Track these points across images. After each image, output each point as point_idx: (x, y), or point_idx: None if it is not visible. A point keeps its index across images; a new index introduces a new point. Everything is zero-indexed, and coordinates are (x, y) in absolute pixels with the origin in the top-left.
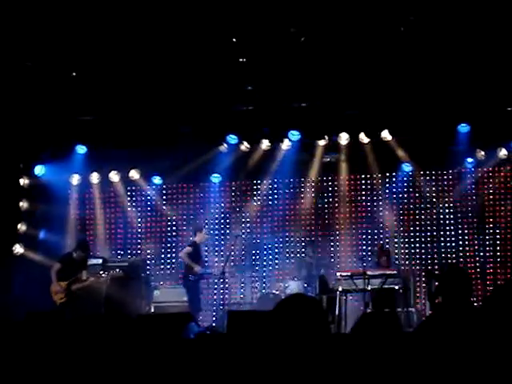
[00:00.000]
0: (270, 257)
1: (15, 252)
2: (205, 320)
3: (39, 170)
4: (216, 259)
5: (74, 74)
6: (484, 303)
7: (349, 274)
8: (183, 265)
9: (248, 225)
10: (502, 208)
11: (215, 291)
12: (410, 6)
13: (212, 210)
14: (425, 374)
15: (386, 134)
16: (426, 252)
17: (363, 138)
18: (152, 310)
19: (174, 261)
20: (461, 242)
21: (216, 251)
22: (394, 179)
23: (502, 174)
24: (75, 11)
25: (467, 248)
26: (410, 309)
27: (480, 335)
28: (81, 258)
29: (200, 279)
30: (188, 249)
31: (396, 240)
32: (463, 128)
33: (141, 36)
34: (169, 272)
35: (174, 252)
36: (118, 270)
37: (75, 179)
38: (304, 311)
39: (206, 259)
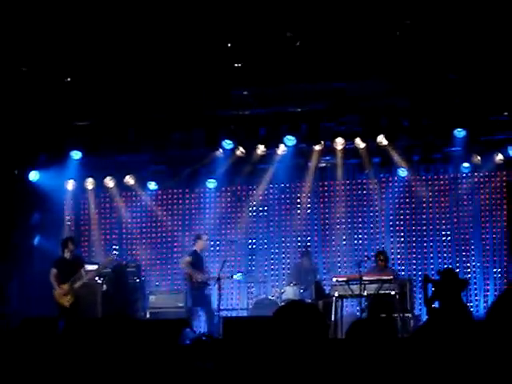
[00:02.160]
0: (266, 262)
1: (10, 258)
2: (200, 326)
3: (34, 175)
4: (212, 265)
5: (69, 79)
6: (488, 311)
7: (345, 279)
8: (186, 276)
9: (244, 230)
10: (498, 213)
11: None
12: (405, 10)
13: (207, 216)
14: (421, 380)
15: (381, 139)
16: (422, 257)
17: (359, 142)
18: (147, 316)
19: (169, 266)
20: (457, 247)
21: (211, 257)
22: (389, 184)
23: (498, 179)
24: (70, 17)
25: (463, 253)
26: (407, 314)
27: (477, 341)
28: (73, 257)
29: (205, 287)
30: (187, 258)
31: (392, 245)
32: (459, 133)
33: (135, 42)
34: (164, 277)
35: (169, 258)
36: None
37: (70, 185)
38: (303, 318)
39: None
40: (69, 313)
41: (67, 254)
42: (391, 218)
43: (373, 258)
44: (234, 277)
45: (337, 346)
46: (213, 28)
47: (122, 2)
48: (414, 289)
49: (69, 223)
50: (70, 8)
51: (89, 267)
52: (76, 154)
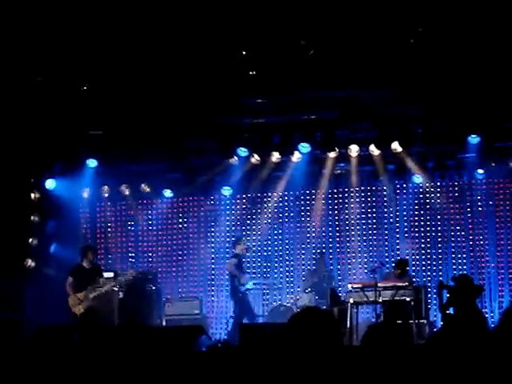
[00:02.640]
0: (281, 269)
1: (27, 266)
2: (216, 333)
3: (50, 183)
4: (227, 272)
5: (85, 88)
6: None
7: (360, 285)
8: (230, 278)
9: (259, 237)
10: None
11: (226, 304)
12: (418, 18)
13: (223, 223)
14: None
15: (396, 146)
16: (437, 263)
17: (373, 149)
18: (163, 323)
19: (185, 274)
20: (472, 254)
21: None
22: (404, 190)
23: None
24: (86, 26)
25: (478, 259)
26: (422, 320)
27: (492, 348)
28: (91, 266)
29: (248, 291)
30: (233, 260)
31: (407, 252)
32: (473, 139)
33: (151, 50)
34: (180, 285)
35: (185, 265)
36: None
37: (86, 193)
38: (318, 325)
39: (217, 271)
40: (80, 322)
41: (85, 263)
42: (406, 224)
43: (393, 265)
44: (247, 286)
45: (352, 353)
46: (227, 36)
47: (137, 11)
48: (429, 295)
49: (85, 231)
50: (84, 18)
51: (106, 274)
52: (92, 163)
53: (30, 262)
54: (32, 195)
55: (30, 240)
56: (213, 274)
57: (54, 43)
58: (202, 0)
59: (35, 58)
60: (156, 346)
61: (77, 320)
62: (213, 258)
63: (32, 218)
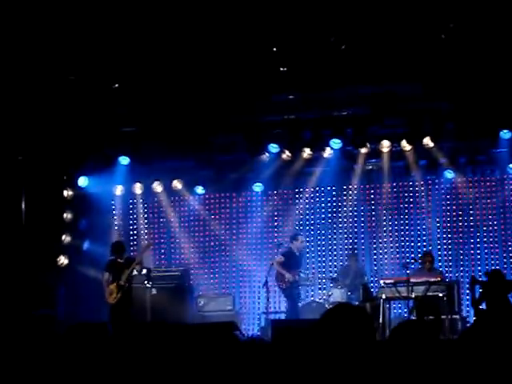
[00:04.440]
0: (313, 265)
1: (60, 263)
2: (249, 329)
3: (83, 181)
4: (259, 268)
5: (117, 85)
6: None
7: (392, 281)
8: (277, 275)
9: (291, 233)
10: None
11: (259, 300)
12: (449, 13)
13: (254, 219)
14: (469, 382)
15: (427, 141)
16: (470, 258)
17: (405, 144)
18: (196, 320)
19: (217, 270)
20: (504, 249)
21: (258, 260)
22: (436, 186)
23: None
24: (117, 26)
25: (511, 254)
26: (455, 316)
27: None
28: (125, 260)
29: (295, 287)
30: (279, 258)
31: (439, 247)
32: (505, 134)
33: (181, 48)
34: (212, 281)
35: (217, 261)
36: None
37: (118, 190)
38: (351, 321)
39: (249, 268)
40: (116, 310)
41: (118, 258)
42: (438, 219)
43: (419, 260)
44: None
45: (384, 348)
46: (258, 33)
47: (167, 10)
48: (462, 290)
49: (117, 228)
50: (115, 18)
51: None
52: (124, 160)
53: (63, 260)
54: (65, 193)
55: (63, 237)
56: (245, 270)
57: (86, 42)
58: None
59: (67, 57)
60: (189, 343)
61: (113, 310)
62: (245, 254)
63: (65, 215)
